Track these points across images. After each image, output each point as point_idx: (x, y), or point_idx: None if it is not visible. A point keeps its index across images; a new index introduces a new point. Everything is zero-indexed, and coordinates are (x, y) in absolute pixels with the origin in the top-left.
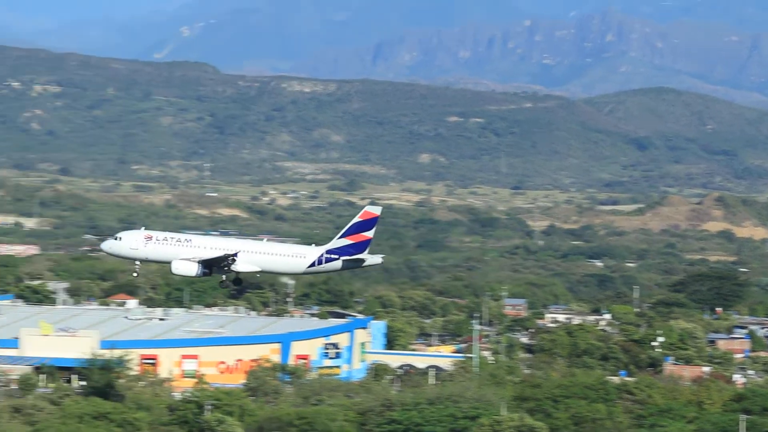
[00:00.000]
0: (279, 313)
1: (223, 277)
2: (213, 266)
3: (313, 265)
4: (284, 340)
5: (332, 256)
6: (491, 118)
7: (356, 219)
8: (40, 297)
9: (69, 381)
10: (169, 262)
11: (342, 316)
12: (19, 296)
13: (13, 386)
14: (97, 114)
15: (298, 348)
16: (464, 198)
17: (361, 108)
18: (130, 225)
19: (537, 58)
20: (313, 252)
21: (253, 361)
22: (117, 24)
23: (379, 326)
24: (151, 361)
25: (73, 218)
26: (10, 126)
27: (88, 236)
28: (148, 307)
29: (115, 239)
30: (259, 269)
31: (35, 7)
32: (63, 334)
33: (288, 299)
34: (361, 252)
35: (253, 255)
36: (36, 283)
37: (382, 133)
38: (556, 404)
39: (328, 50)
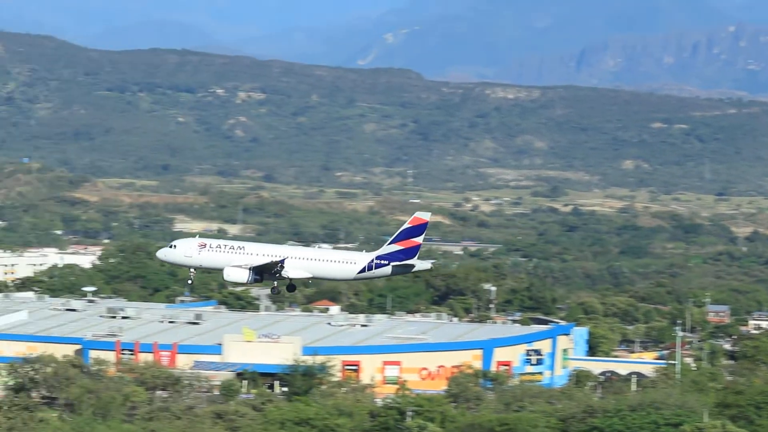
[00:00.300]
0: (481, 320)
1: (275, 283)
2: (264, 273)
3: (363, 271)
4: (486, 347)
5: (382, 261)
6: (695, 125)
7: (406, 225)
8: (243, 303)
9: (271, 387)
10: (221, 270)
11: (544, 322)
12: (223, 303)
13: (216, 392)
14: (301, 121)
15: (500, 354)
16: (667, 204)
17: (564, 114)
18: (332, 231)
19: (741, 64)
20: (364, 258)
21: (454, 367)
22: (321, 31)
23: (581, 332)
24: (354, 367)
25: (277, 225)
26: (215, 133)
27: (291, 242)
28: (351, 313)
29: (170, 247)
30: (310, 275)
31: (240, 15)
32: (266, 340)
33: (490, 306)
34: (411, 258)
35: (305, 261)
36: (239, 289)
37: (585, 140)
38: (759, 411)
39: (531, 56)
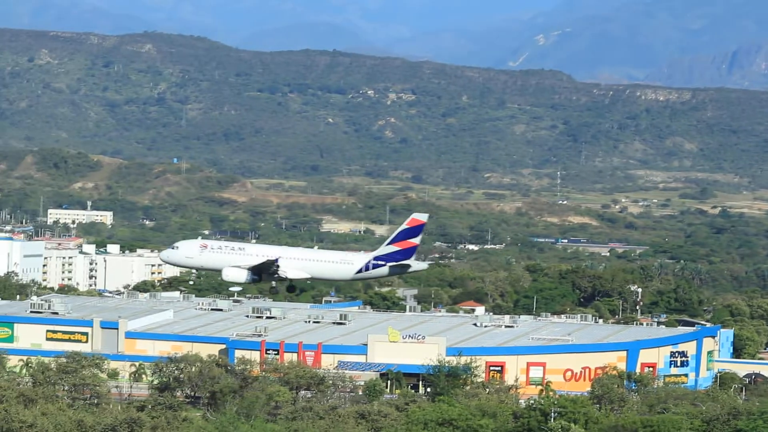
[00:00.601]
0: (627, 321)
1: (273, 283)
2: (262, 273)
3: (360, 271)
4: (631, 348)
5: (379, 262)
6: None
7: (403, 226)
8: (388, 304)
9: (415, 387)
10: (221, 270)
11: (690, 324)
12: (368, 303)
13: (360, 392)
14: (451, 122)
15: (645, 356)
16: None
17: (715, 116)
18: (480, 233)
19: None
20: (361, 258)
21: (599, 368)
22: (471, 32)
23: (726, 335)
24: (498, 368)
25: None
26: (364, 134)
27: (438, 243)
28: (496, 314)
29: (173, 248)
30: (308, 275)
31: (390, 16)
32: (410, 341)
33: (636, 307)
34: (408, 258)
35: (302, 262)
36: (385, 290)
37: (736, 142)
38: None
39: (682, 58)
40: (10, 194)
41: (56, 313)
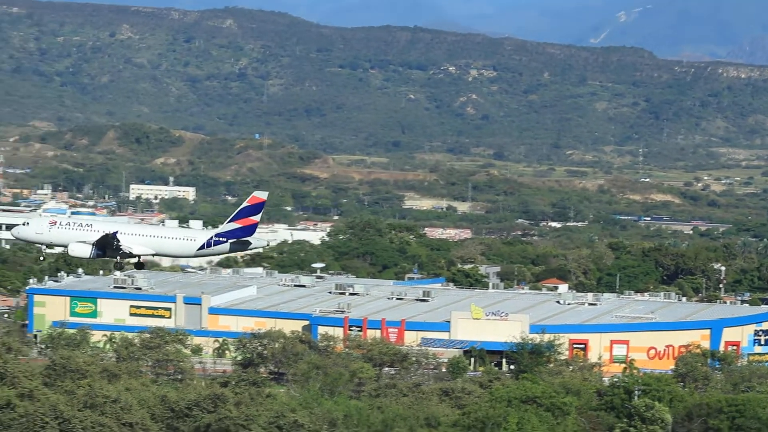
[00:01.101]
0: (710, 300)
1: (117, 258)
2: (106, 248)
3: (202, 247)
4: (715, 327)
5: (221, 239)
6: None
7: (244, 204)
8: (471, 281)
9: (499, 364)
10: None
11: None
12: (451, 280)
13: (443, 369)
14: (532, 99)
15: (728, 334)
16: None
17: None
18: (561, 210)
19: None
20: (203, 235)
21: (682, 347)
22: (553, 8)
23: None
24: (581, 346)
25: (506, 203)
26: (446, 110)
27: (520, 221)
28: (579, 291)
29: (24, 225)
30: (153, 252)
31: None
32: (493, 318)
33: (720, 285)
34: (249, 235)
35: (146, 238)
36: (468, 267)
37: None
38: None
39: (764, 36)
40: (93, 169)
41: (139, 289)
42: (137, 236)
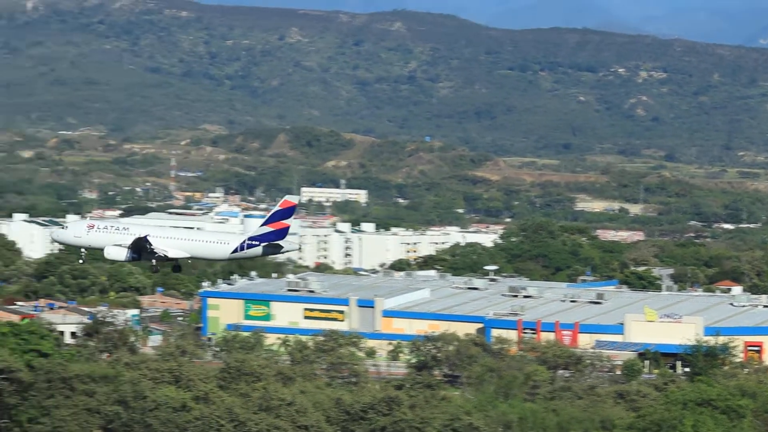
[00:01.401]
0: None
1: (153, 261)
2: (141, 251)
3: (236, 251)
4: None
5: (254, 242)
6: None
7: (276, 208)
8: (644, 283)
9: (673, 367)
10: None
11: None
12: (624, 282)
13: (618, 372)
14: (703, 100)
15: None
16: None
17: None
18: (734, 212)
19: None
20: (236, 238)
21: None
22: (722, 9)
23: None
24: (756, 348)
25: (678, 204)
26: (616, 112)
27: (693, 222)
28: (753, 293)
29: (63, 228)
30: (188, 255)
31: None
32: (667, 320)
33: None
34: (281, 238)
35: (181, 242)
36: (641, 269)
37: None
38: None
39: None
40: (264, 172)
41: (312, 291)
42: (172, 239)
